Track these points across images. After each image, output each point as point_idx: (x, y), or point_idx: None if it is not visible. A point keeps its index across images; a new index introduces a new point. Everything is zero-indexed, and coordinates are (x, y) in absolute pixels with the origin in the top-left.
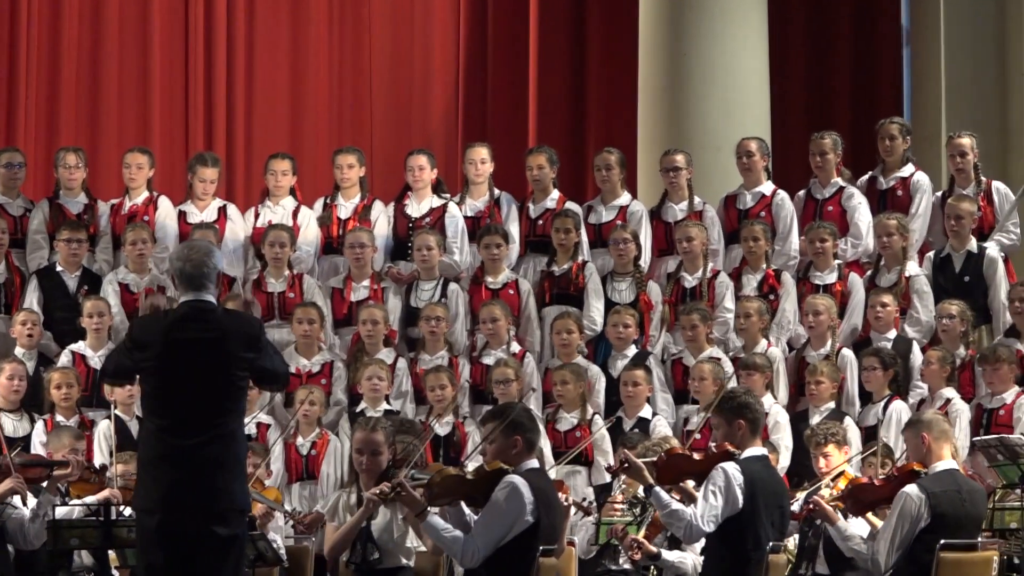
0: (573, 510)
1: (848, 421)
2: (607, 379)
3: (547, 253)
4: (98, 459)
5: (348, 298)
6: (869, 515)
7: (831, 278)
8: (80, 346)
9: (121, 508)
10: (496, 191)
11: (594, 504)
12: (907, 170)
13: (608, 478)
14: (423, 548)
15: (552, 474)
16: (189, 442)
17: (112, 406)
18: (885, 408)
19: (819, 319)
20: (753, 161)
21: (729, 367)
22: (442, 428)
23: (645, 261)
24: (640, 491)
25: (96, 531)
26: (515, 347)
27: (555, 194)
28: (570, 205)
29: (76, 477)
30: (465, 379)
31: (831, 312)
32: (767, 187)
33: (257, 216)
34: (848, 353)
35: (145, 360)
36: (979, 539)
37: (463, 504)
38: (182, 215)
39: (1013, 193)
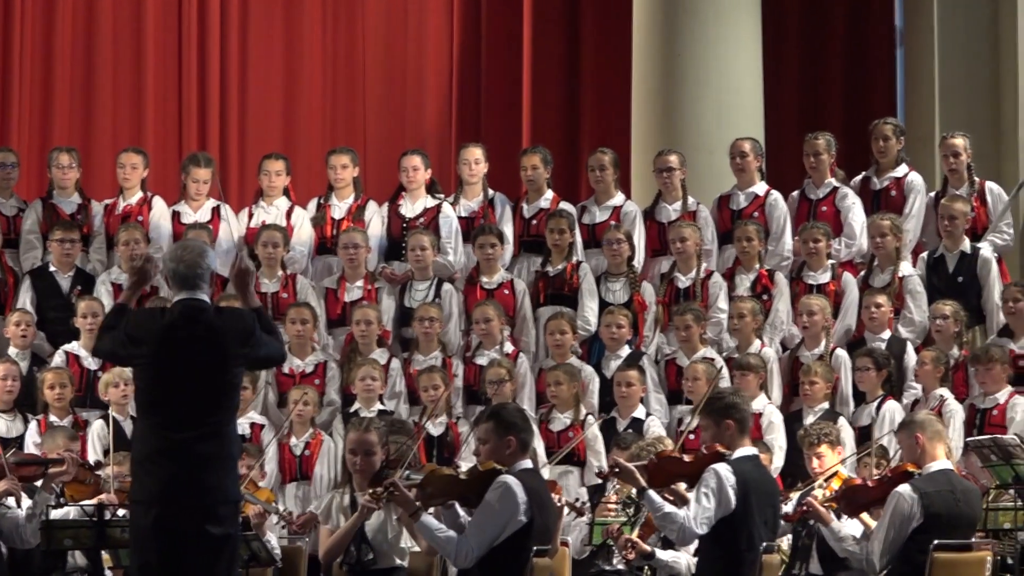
0: (566, 511)
1: (842, 421)
2: (601, 379)
3: (541, 253)
4: (92, 459)
5: (342, 298)
6: (863, 516)
7: (825, 278)
8: (74, 346)
9: (115, 509)
10: (490, 191)
11: (587, 504)
12: (901, 170)
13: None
14: (417, 548)
15: (545, 474)
16: (183, 436)
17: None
18: (878, 408)
19: (813, 319)
20: (747, 161)
21: (721, 366)
22: (435, 428)
23: (639, 261)
24: (634, 492)
25: (90, 531)
26: (508, 347)
27: (549, 194)
28: (564, 205)
29: (71, 475)
30: (458, 379)
31: (825, 312)
32: (760, 187)
33: (251, 216)
34: (842, 353)
35: (139, 356)
36: (973, 539)
37: (457, 504)
38: (176, 215)
39: (1006, 193)
